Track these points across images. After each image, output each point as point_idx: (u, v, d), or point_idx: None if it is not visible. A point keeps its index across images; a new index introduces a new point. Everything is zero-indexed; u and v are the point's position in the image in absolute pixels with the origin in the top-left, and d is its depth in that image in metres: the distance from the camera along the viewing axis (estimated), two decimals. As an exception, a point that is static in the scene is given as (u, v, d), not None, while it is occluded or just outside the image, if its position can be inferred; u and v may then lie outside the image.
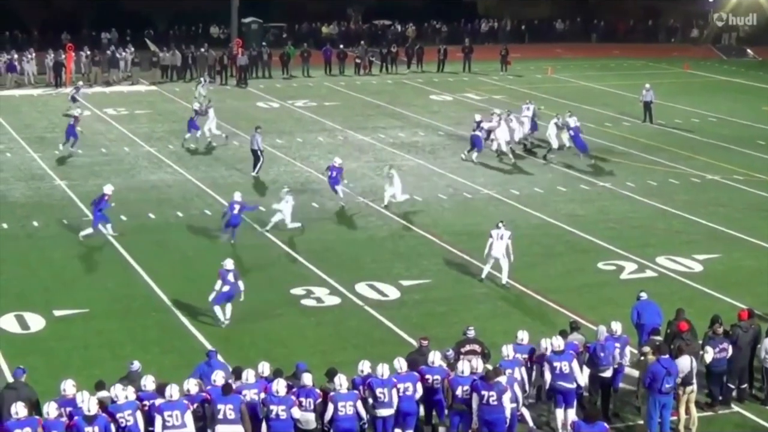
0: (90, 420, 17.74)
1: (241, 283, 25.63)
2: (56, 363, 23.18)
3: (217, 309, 25.73)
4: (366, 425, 19.59)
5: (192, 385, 19.17)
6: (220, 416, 18.56)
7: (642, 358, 21.09)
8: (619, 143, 46.09)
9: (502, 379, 19.47)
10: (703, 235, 33.68)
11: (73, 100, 51.93)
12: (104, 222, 32.34)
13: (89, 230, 32.02)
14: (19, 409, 17.80)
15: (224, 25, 74.70)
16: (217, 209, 35.64)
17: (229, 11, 69.87)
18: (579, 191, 38.61)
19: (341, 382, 19.23)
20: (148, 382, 19.18)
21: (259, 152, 40.36)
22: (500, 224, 28.56)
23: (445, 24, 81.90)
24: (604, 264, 30.69)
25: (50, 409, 17.98)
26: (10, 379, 20.02)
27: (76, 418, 17.91)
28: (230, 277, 25.72)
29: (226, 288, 25.68)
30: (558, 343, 20.63)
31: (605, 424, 18.35)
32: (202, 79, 58.11)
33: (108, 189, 32.37)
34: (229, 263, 25.95)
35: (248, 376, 19.49)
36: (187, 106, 54.51)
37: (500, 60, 67.89)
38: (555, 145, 42.81)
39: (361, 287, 28.59)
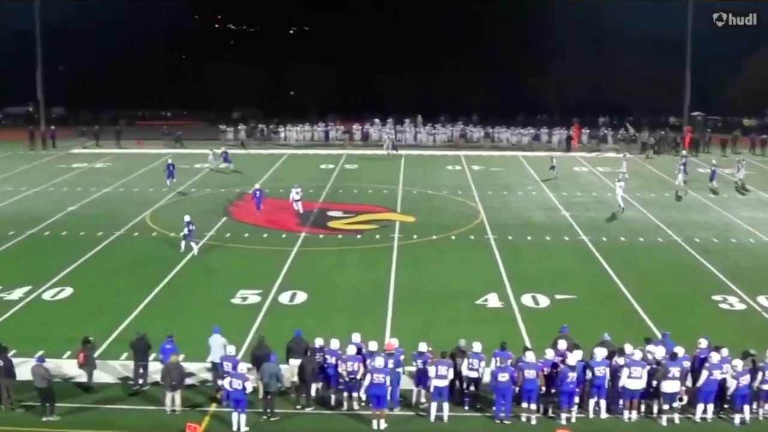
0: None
1: None
2: (535, 333, 24.62)
3: None
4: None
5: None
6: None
7: None
8: None
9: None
10: None
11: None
12: None
13: None
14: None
15: (678, 116, 74.95)
16: (670, 239, 36.10)
17: (682, 106, 71.31)
18: None
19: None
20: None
21: None
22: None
23: None
24: None
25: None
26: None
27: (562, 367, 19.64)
28: None
29: None
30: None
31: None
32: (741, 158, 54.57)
33: None
34: None
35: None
36: (651, 170, 55.05)
37: None
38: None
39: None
